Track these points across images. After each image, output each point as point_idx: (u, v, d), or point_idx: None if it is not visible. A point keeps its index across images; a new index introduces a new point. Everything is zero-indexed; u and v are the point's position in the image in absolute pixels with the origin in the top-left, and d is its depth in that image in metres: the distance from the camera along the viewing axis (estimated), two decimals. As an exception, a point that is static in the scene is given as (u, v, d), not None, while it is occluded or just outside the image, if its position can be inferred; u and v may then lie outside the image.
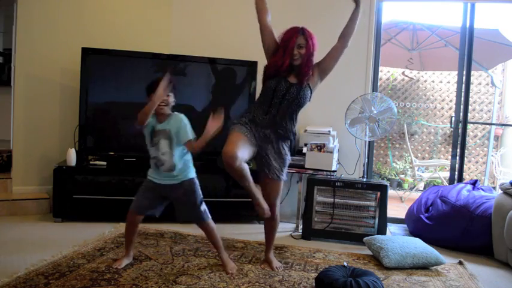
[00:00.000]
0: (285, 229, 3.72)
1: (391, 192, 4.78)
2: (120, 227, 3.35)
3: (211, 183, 3.57)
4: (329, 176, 3.57)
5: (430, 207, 3.59)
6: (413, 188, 6.12)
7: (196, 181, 2.61)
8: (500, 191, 3.28)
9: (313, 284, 2.44)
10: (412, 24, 5.80)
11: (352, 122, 3.54)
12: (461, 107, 4.06)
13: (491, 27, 5.44)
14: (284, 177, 2.54)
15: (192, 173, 2.60)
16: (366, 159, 3.87)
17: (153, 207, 2.60)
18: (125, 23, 4.06)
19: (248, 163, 2.38)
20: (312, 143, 3.59)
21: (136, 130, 2.61)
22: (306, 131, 3.85)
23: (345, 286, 2.22)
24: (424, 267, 2.87)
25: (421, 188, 6.17)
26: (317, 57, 2.56)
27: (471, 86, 4.79)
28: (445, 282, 2.65)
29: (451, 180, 4.16)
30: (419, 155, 6.87)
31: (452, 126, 4.13)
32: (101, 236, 3.12)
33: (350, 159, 4.00)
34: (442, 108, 6.82)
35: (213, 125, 2.40)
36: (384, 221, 3.39)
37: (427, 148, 6.87)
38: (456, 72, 4.76)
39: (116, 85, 3.78)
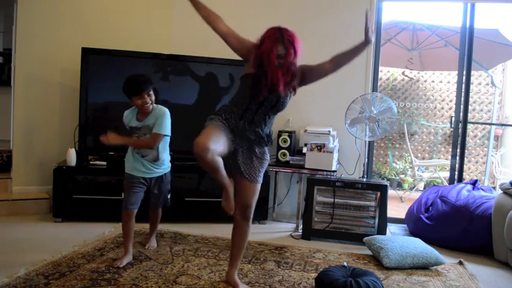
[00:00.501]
0: (285, 229, 3.72)
1: (391, 192, 4.78)
2: (120, 227, 3.34)
3: (210, 183, 3.57)
4: (329, 176, 3.57)
5: (430, 207, 3.59)
6: (413, 188, 6.12)
7: None
8: (500, 191, 3.28)
9: (313, 284, 2.44)
10: (412, 24, 5.80)
11: (352, 122, 3.54)
12: (461, 107, 4.06)
13: (491, 27, 5.44)
14: (259, 179, 2.31)
15: (169, 164, 2.85)
16: (366, 159, 3.87)
17: (139, 200, 2.72)
18: (125, 23, 4.06)
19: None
20: (312, 143, 3.59)
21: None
22: (306, 131, 3.85)
23: (345, 286, 2.22)
24: (424, 267, 2.87)
25: (421, 188, 6.17)
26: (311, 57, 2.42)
27: (471, 86, 4.78)
28: (445, 282, 2.65)
29: (451, 180, 4.16)
30: (419, 155, 6.86)
31: (452, 126, 4.13)
32: (101, 236, 3.12)
33: (350, 159, 4.00)
34: (442, 108, 6.82)
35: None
36: (384, 221, 3.39)
37: (427, 148, 6.87)
38: (456, 72, 4.77)
39: (116, 85, 3.74)
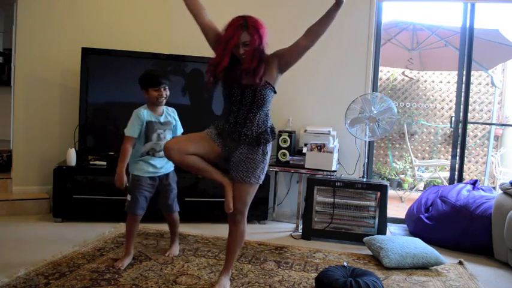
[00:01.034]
0: (285, 229, 3.72)
1: (391, 192, 4.78)
2: (120, 227, 3.35)
3: (210, 183, 3.56)
4: (329, 176, 3.57)
5: (430, 207, 3.59)
6: (413, 188, 6.12)
7: None
8: (500, 191, 3.28)
9: (313, 284, 2.44)
10: (412, 24, 5.80)
11: (352, 122, 3.54)
12: (461, 107, 4.06)
13: (491, 27, 5.44)
14: (255, 180, 2.23)
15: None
16: (366, 159, 3.87)
17: (147, 204, 2.69)
18: (125, 23, 4.06)
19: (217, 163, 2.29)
20: (312, 143, 3.59)
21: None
22: (306, 131, 3.85)
23: (345, 286, 2.22)
24: (424, 267, 2.87)
25: (421, 188, 6.17)
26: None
27: (471, 86, 4.78)
28: (445, 282, 2.65)
29: (451, 180, 4.16)
30: (419, 155, 6.86)
31: (452, 126, 4.13)
32: (101, 236, 3.12)
33: (350, 159, 4.00)
34: (442, 108, 6.82)
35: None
36: (383, 221, 3.39)
37: (427, 148, 6.87)
38: (456, 72, 4.77)
39: (116, 85, 3.78)
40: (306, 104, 4.10)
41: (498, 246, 3.14)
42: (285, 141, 3.79)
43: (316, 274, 2.47)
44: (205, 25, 2.29)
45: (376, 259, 2.99)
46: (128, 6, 4.10)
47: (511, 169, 6.11)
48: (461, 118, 4.04)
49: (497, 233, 3.12)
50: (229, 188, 2.22)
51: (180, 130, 2.80)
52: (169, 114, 2.75)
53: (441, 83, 6.86)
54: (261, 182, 2.28)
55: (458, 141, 4.04)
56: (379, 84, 4.61)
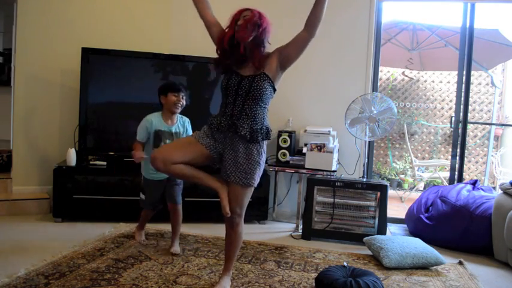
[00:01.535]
0: (285, 229, 3.72)
1: (391, 192, 4.78)
2: (120, 227, 3.35)
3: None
4: (329, 176, 3.57)
5: (430, 207, 3.59)
6: (413, 188, 6.12)
7: None
8: (500, 191, 3.28)
9: (313, 284, 2.44)
10: (412, 24, 5.80)
11: (352, 122, 3.54)
12: (461, 107, 4.06)
13: (491, 27, 5.44)
14: (252, 182, 2.18)
15: None
16: (366, 159, 3.87)
17: (159, 199, 2.92)
18: (124, 23, 4.06)
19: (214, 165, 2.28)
20: (312, 143, 3.59)
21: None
22: (306, 131, 3.85)
23: (345, 286, 2.21)
24: (424, 267, 2.87)
25: (421, 188, 6.17)
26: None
27: (471, 86, 4.79)
28: (445, 282, 2.65)
29: (451, 180, 4.16)
30: (419, 155, 6.86)
31: (452, 126, 4.13)
32: (101, 236, 3.12)
33: (350, 159, 4.00)
34: (442, 108, 6.82)
35: None
36: (383, 221, 3.39)
37: (427, 148, 6.87)
38: (456, 72, 4.76)
39: (116, 85, 3.78)
40: (306, 104, 4.10)
41: (498, 246, 3.14)
42: (285, 141, 3.79)
43: (316, 274, 2.47)
44: (211, 21, 2.30)
45: (376, 259, 2.99)
46: (128, 6, 4.10)
47: (511, 169, 6.11)
48: (461, 118, 4.04)
49: (497, 233, 3.12)
50: (224, 192, 2.18)
51: None
52: (182, 125, 2.86)
53: (441, 83, 6.86)
54: (256, 185, 2.22)
55: (458, 141, 4.04)
56: (379, 84, 4.61)
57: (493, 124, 6.50)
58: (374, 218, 3.42)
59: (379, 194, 3.40)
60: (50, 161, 3.80)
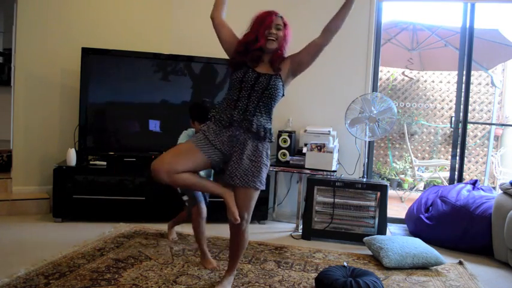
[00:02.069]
0: (285, 229, 3.72)
1: (391, 192, 4.78)
2: (120, 227, 3.35)
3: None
4: (329, 176, 3.57)
5: (430, 207, 3.59)
6: (413, 188, 6.12)
7: None
8: (500, 191, 3.28)
9: (313, 284, 2.44)
10: (412, 24, 5.80)
11: (352, 122, 3.54)
12: (461, 107, 4.06)
13: (491, 27, 5.44)
14: (260, 184, 2.13)
15: None
16: (366, 159, 3.87)
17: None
18: (125, 23, 4.06)
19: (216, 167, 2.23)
20: (312, 143, 3.59)
21: None
22: (306, 131, 3.85)
23: (345, 286, 2.21)
24: (424, 267, 2.87)
25: (421, 188, 6.17)
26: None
27: (471, 86, 4.78)
28: (445, 282, 2.65)
29: (451, 180, 4.16)
30: (419, 155, 6.86)
31: (452, 126, 4.13)
32: (101, 236, 3.12)
33: (350, 159, 4.00)
34: (442, 108, 6.82)
35: None
36: (383, 221, 3.39)
37: (427, 148, 6.87)
38: (456, 72, 4.76)
39: (116, 85, 3.78)
40: (306, 104, 4.10)
41: (498, 246, 3.14)
42: (285, 141, 3.79)
43: (316, 274, 2.47)
44: (221, 22, 2.26)
45: (376, 259, 2.99)
46: (128, 6, 4.10)
47: (511, 169, 6.11)
48: (461, 118, 4.04)
49: (497, 233, 3.12)
50: (230, 197, 2.09)
51: None
52: None
53: (441, 83, 6.86)
54: (263, 187, 2.16)
55: (458, 141, 4.04)
56: (379, 84, 4.60)
57: (493, 124, 6.50)
58: (374, 218, 3.42)
59: (379, 194, 3.40)
60: (50, 161, 3.80)
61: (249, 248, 3.07)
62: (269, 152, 2.20)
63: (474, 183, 3.72)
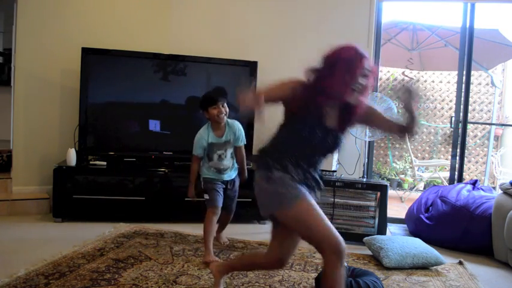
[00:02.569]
0: (285, 229, 3.72)
1: (391, 192, 4.77)
2: (120, 227, 3.35)
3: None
4: (329, 176, 3.56)
5: (430, 207, 3.59)
6: (413, 188, 6.12)
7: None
8: (500, 191, 3.28)
9: (313, 284, 2.44)
10: (412, 24, 5.80)
11: (352, 122, 3.53)
12: (461, 107, 4.06)
13: (491, 27, 5.44)
14: (263, 210, 1.99)
15: (236, 166, 2.98)
16: (366, 159, 3.87)
17: (222, 198, 2.89)
18: (124, 23, 4.06)
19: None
20: (312, 143, 3.59)
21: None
22: (306, 131, 3.84)
23: (344, 286, 2.21)
24: (424, 267, 2.87)
25: (421, 188, 6.17)
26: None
27: (471, 86, 4.79)
28: (445, 282, 2.65)
29: (451, 180, 4.15)
30: (419, 155, 6.86)
31: (452, 126, 4.13)
32: (101, 236, 3.12)
33: (350, 159, 4.00)
34: (442, 108, 6.82)
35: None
36: (383, 221, 3.39)
37: (427, 148, 6.87)
38: (456, 72, 4.76)
39: (116, 85, 3.78)
40: (306, 104, 4.09)
41: (498, 246, 3.14)
42: (285, 141, 3.79)
43: (316, 274, 2.47)
44: (287, 94, 1.87)
45: (376, 259, 2.99)
46: (128, 6, 4.10)
47: (511, 169, 6.11)
48: (461, 118, 4.04)
49: (497, 233, 3.12)
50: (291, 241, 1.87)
51: (240, 142, 2.90)
52: (230, 132, 2.86)
53: (441, 83, 6.86)
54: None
55: (458, 141, 4.04)
56: (379, 84, 4.60)
57: (493, 124, 6.50)
58: (374, 218, 3.42)
59: (379, 194, 3.40)
60: (50, 161, 3.80)
61: (249, 248, 3.07)
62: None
63: (474, 183, 3.72)
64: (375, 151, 5.60)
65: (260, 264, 2.14)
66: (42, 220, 3.56)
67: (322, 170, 3.55)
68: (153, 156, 3.79)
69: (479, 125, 6.65)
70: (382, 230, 3.38)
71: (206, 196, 2.86)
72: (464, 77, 4.01)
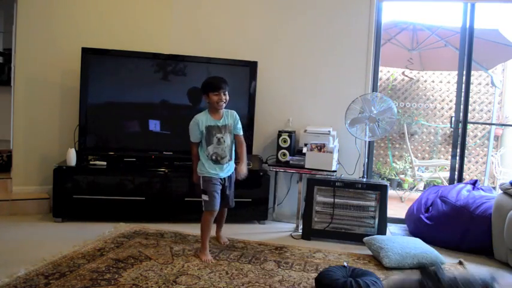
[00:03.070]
0: (285, 229, 3.72)
1: (391, 192, 4.78)
2: (120, 227, 3.35)
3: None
4: (329, 176, 3.57)
5: (430, 207, 3.59)
6: (413, 188, 6.12)
7: None
8: (500, 191, 3.28)
9: (313, 284, 2.44)
10: (412, 24, 5.80)
11: (352, 122, 3.54)
12: (461, 107, 4.06)
13: (491, 27, 5.44)
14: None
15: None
16: (366, 159, 3.87)
17: (220, 199, 2.90)
18: (124, 23, 4.06)
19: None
20: (312, 143, 3.59)
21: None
22: (306, 131, 3.85)
23: (345, 286, 2.21)
24: (424, 267, 2.87)
25: (421, 188, 6.16)
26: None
27: (471, 86, 4.78)
28: (445, 282, 2.65)
29: (451, 180, 4.15)
30: (419, 155, 6.86)
31: (452, 126, 4.13)
32: (101, 236, 3.12)
33: (350, 159, 4.00)
34: (442, 108, 6.82)
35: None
36: (384, 221, 3.39)
37: (427, 148, 6.86)
38: (456, 72, 4.76)
39: (116, 85, 3.78)
40: (306, 104, 4.10)
41: (498, 246, 3.14)
42: (284, 141, 3.79)
43: (316, 274, 2.47)
44: None
45: (376, 259, 2.99)
46: (128, 6, 4.10)
47: (511, 169, 6.11)
48: (461, 118, 4.04)
49: (497, 233, 3.12)
50: None
51: (239, 131, 2.93)
52: (228, 117, 2.90)
53: (441, 83, 6.86)
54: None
55: (458, 141, 4.04)
56: (379, 84, 4.60)
57: (493, 124, 6.50)
58: (374, 218, 3.42)
59: (379, 194, 3.41)
60: (50, 161, 3.80)
61: (249, 248, 3.07)
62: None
63: (474, 183, 3.72)
64: (375, 151, 5.61)
65: None
66: (42, 220, 3.56)
67: (322, 170, 3.56)
68: (153, 156, 3.79)
69: (479, 125, 6.65)
70: (382, 230, 3.38)
71: (205, 197, 2.85)
72: (464, 77, 4.01)
